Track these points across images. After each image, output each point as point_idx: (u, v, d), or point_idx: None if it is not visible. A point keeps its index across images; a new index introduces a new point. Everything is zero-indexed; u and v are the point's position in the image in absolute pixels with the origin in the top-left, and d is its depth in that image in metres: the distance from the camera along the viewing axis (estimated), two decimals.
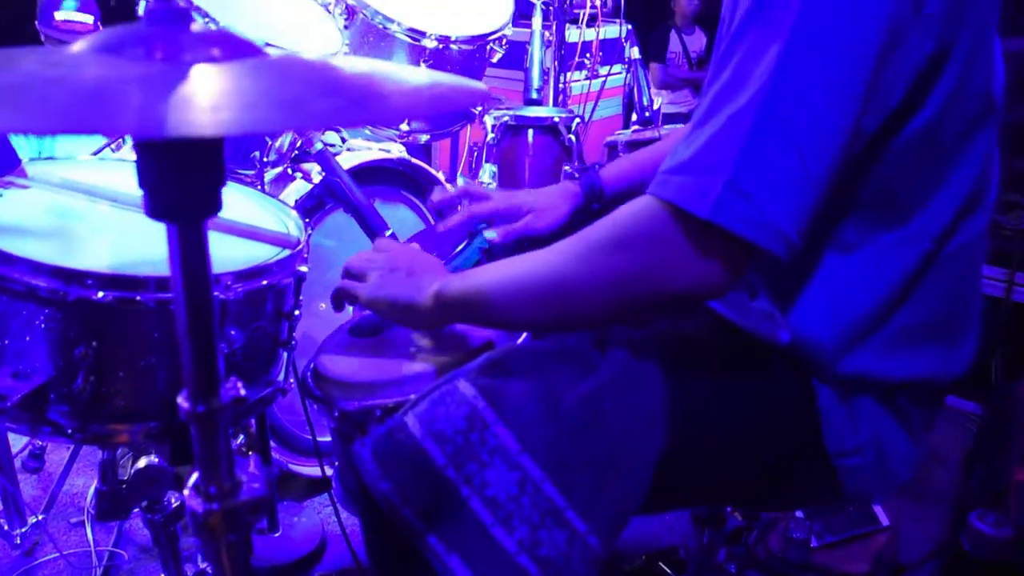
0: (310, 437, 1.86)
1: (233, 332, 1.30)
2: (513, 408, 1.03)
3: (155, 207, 0.70)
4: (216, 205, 0.72)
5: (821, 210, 0.96)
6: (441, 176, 2.64)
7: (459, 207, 1.58)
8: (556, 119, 2.02)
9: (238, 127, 0.50)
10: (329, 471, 1.98)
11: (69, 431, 1.23)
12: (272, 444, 2.15)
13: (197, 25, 0.73)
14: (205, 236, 0.74)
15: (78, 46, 0.69)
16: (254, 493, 0.85)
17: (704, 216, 0.92)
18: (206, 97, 0.55)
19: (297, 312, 1.42)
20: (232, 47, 0.71)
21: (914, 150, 1.02)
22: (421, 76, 0.80)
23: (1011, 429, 2.08)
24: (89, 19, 3.78)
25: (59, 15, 3.72)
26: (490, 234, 1.53)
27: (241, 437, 2.06)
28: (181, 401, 0.81)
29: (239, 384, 0.85)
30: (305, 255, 1.39)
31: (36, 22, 3.73)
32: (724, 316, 1.20)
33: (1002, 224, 2.73)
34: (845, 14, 0.91)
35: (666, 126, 2.25)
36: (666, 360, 1.11)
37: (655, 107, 4.04)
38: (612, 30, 3.52)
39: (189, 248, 0.73)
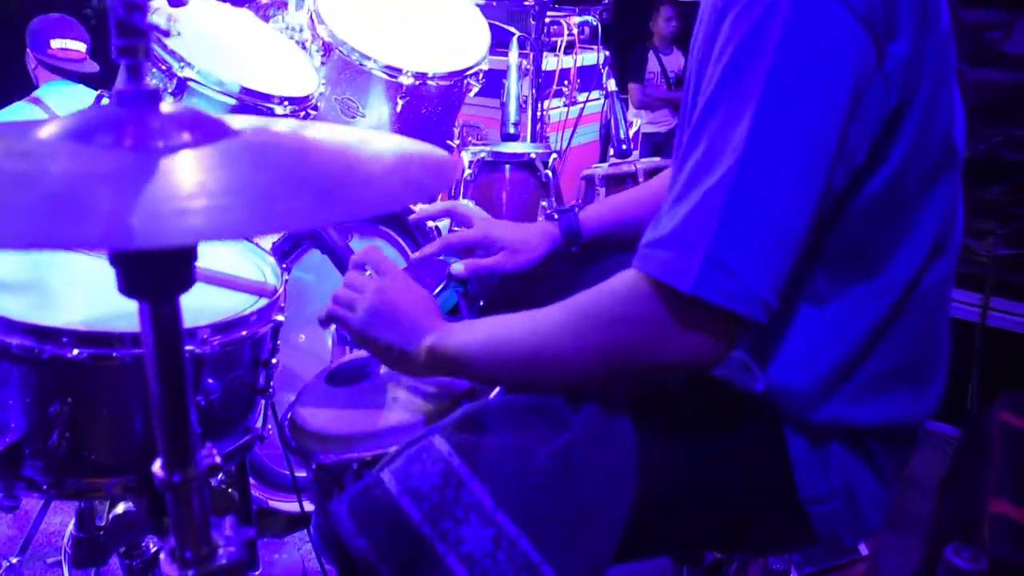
0: (289, 473, 1.86)
1: (210, 382, 1.30)
2: (488, 465, 1.04)
3: (127, 286, 0.70)
4: (189, 281, 0.72)
5: (796, 268, 0.98)
6: (420, 207, 2.65)
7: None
8: (533, 155, 2.03)
9: (208, 234, 0.50)
10: (309, 507, 1.98)
11: (44, 487, 1.22)
12: (251, 480, 2.14)
13: (167, 105, 0.74)
14: (178, 311, 0.74)
15: (47, 131, 0.70)
16: (230, 557, 0.86)
17: (687, 291, 0.94)
18: (176, 197, 0.56)
19: (275, 360, 1.42)
20: (202, 128, 0.72)
21: (880, 202, 1.04)
22: (391, 145, 0.81)
23: (986, 457, 2.10)
24: (82, 47, 3.79)
25: (55, 43, 3.72)
26: (457, 267, 1.53)
27: (220, 474, 2.06)
28: (156, 470, 0.82)
29: (214, 451, 0.86)
30: (282, 304, 1.40)
31: (28, 49, 3.73)
32: None
33: (976, 250, 2.76)
34: (811, 79, 0.94)
35: (643, 159, 2.26)
36: (638, 410, 1.12)
37: (633, 129, 4.07)
38: (590, 57, 3.53)
39: (162, 324, 0.74)
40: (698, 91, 1.07)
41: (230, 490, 2.06)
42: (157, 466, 0.82)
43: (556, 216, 1.60)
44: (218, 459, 0.86)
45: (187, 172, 0.61)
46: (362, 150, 0.77)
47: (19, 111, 3.54)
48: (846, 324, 1.09)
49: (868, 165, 1.01)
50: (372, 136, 0.83)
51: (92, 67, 3.80)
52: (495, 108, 2.57)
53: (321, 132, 0.85)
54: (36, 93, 3.66)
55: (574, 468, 1.06)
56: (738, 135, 0.95)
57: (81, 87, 3.77)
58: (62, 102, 3.57)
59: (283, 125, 0.89)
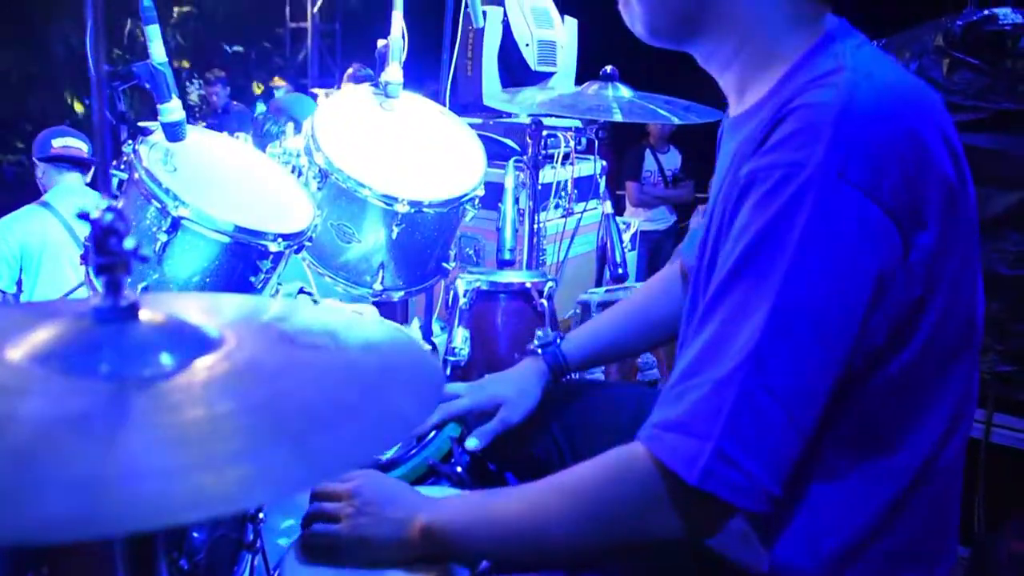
0: None
1: (194, 543, 1.27)
2: None
3: None
4: None
5: (804, 453, 0.96)
6: (416, 330, 2.64)
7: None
8: (528, 284, 2.03)
9: (178, 517, 0.48)
10: None
11: None
12: None
13: (146, 314, 0.72)
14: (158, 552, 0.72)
15: (22, 350, 0.68)
16: None
17: (693, 483, 0.93)
18: (147, 453, 0.54)
19: (261, 515, 1.39)
20: (182, 343, 0.71)
21: (896, 384, 1.02)
22: (372, 342, 0.79)
23: None
24: (83, 146, 3.86)
25: (56, 142, 3.81)
26: (472, 443, 1.53)
27: None
28: None
29: None
30: None
31: (34, 158, 3.82)
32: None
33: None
34: (833, 273, 0.92)
35: (638, 284, 2.26)
36: None
37: (632, 231, 4.09)
38: (587, 167, 3.57)
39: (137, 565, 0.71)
40: (716, 252, 1.05)
41: None
42: None
43: (540, 351, 1.64)
44: None
45: (162, 414, 0.60)
46: (344, 354, 0.75)
47: (30, 214, 3.62)
48: (855, 504, 1.06)
49: (887, 349, 1.00)
50: (353, 328, 0.82)
51: (94, 160, 3.87)
52: (494, 220, 2.57)
53: (305, 324, 0.84)
54: (45, 197, 3.75)
55: None
56: (753, 325, 0.93)
57: (85, 188, 3.85)
58: (68, 202, 3.64)
59: (271, 311, 0.88)
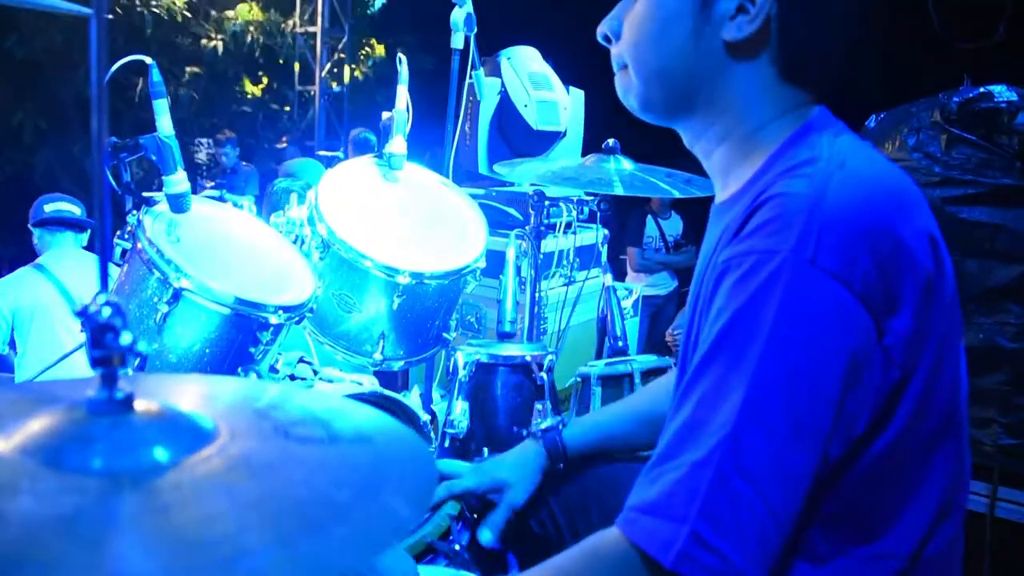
0: None
1: None
2: None
3: None
4: None
5: (789, 541, 0.95)
6: (416, 398, 2.63)
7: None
8: (528, 357, 2.03)
9: None
10: None
11: None
12: None
13: (141, 406, 0.72)
14: None
15: (12, 443, 0.68)
16: None
17: (668, 566, 0.92)
18: (135, 559, 0.54)
19: None
20: (178, 436, 0.71)
21: (878, 468, 1.02)
22: (363, 432, 0.79)
23: None
24: (76, 209, 3.92)
25: (48, 207, 3.87)
26: (486, 536, 1.54)
27: None
28: None
29: None
30: None
31: (30, 225, 3.87)
32: None
33: (980, 440, 2.72)
34: (806, 357, 0.93)
35: (638, 357, 2.26)
36: None
37: (633, 298, 4.10)
38: (589, 236, 3.59)
39: None
40: (698, 338, 1.06)
41: None
42: None
43: (540, 435, 1.64)
44: None
45: (152, 515, 0.59)
46: (337, 447, 0.75)
47: (23, 276, 3.66)
48: None
49: (868, 433, 0.99)
50: (346, 418, 0.82)
51: (89, 222, 3.92)
52: (496, 288, 2.58)
53: (298, 413, 0.84)
54: (39, 260, 3.78)
55: None
56: (728, 408, 0.94)
57: (80, 250, 3.88)
58: (62, 264, 3.67)
59: (265, 398, 0.88)
